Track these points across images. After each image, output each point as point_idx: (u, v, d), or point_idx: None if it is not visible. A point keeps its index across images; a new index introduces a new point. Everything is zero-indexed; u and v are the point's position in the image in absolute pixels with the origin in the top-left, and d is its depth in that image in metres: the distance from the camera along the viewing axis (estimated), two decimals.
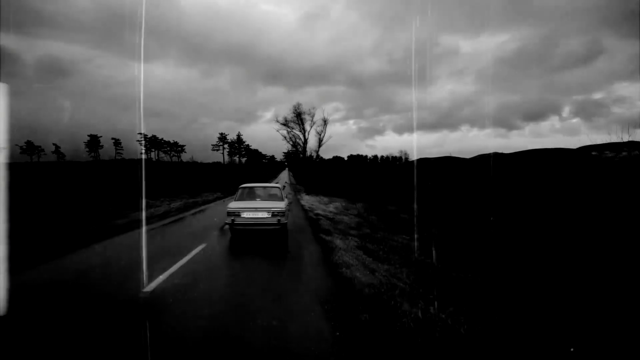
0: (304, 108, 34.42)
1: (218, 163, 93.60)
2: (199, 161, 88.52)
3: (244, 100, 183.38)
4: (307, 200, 22.30)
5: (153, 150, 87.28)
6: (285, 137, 34.82)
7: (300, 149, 34.80)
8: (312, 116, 34.46)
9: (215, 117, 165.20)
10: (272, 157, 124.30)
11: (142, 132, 76.48)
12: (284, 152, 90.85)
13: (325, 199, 23.54)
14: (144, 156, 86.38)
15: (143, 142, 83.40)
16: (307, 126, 34.18)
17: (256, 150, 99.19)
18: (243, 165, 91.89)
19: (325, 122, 33.87)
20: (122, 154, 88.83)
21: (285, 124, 34.21)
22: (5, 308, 2.28)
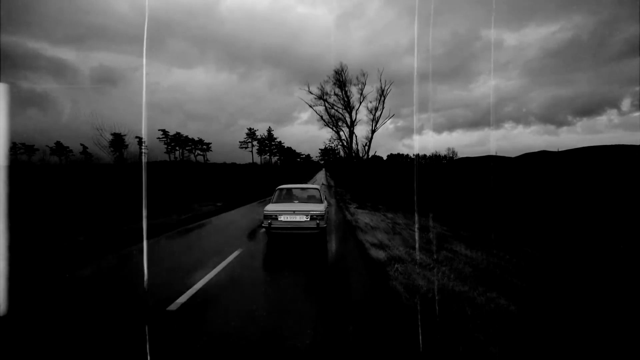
0: (350, 75, 22.51)
1: (254, 164, 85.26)
2: (229, 162, 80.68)
3: (280, 101, 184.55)
4: (370, 226, 10.32)
5: (177, 149, 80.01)
6: (321, 117, 23.10)
7: (345, 138, 22.96)
8: (362, 87, 22.49)
9: (254, 118, 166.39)
10: (308, 156, 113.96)
11: (144, 134, 68.92)
12: (320, 149, 79.81)
13: (401, 221, 11.53)
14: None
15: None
16: (354, 102, 22.37)
17: (289, 148, 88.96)
18: (273, 165, 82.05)
19: (382, 94, 21.82)
20: (146, 153, 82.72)
21: (322, 97, 22.48)
22: (5, 308, 2.30)
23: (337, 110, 22.07)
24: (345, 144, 22.39)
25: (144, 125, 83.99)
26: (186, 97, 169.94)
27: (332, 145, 63.31)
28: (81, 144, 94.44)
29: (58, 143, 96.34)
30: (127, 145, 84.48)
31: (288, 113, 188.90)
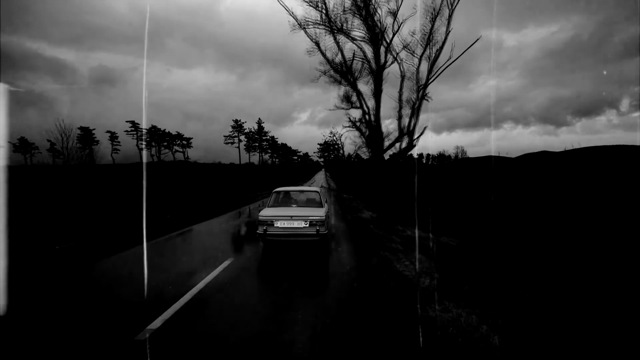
0: None
1: (251, 164, 74.17)
2: (227, 162, 69.91)
3: (279, 102, 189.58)
4: None
5: (154, 144, 68.53)
6: (317, 45, 11.37)
7: (365, 105, 11.33)
8: (398, 4, 10.94)
9: (253, 119, 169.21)
10: (306, 154, 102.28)
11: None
12: (319, 144, 67.36)
13: None
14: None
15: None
16: (385, 27, 10.91)
17: (284, 145, 77.25)
18: (270, 166, 70.63)
19: (446, 2, 10.38)
20: (118, 150, 71.54)
21: (317, 6, 10.87)
22: (4, 308, 2.44)
23: (348, 35, 10.48)
24: (365, 113, 10.90)
25: (144, 126, 72.83)
26: (185, 97, 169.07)
27: (334, 137, 51.68)
28: (48, 140, 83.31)
29: (22, 139, 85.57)
30: (98, 141, 69.65)
31: (287, 113, 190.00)
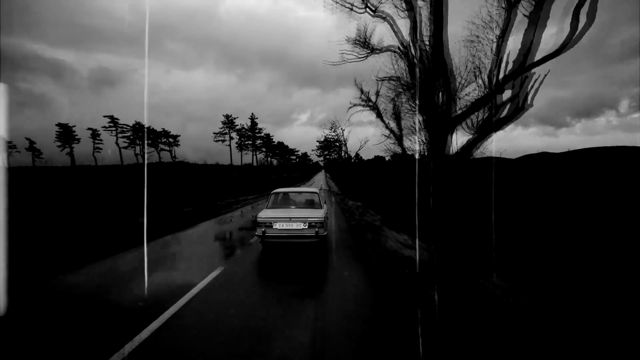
0: None
1: (249, 165, 68.20)
2: (226, 163, 64.31)
3: (279, 103, 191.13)
4: None
5: (138, 143, 62.58)
6: None
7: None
8: None
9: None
10: (305, 154, 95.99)
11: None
12: (319, 142, 60.57)
13: None
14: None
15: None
16: None
17: (281, 144, 71.09)
18: (267, 167, 64.75)
19: None
20: (100, 149, 65.66)
21: None
22: (5, 308, 2.28)
23: None
24: (414, 28, 5.24)
25: (145, 127, 67.20)
26: (185, 98, 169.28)
27: (336, 133, 45.63)
28: (26, 138, 77.16)
29: None
30: (79, 139, 62.03)
31: (287, 114, 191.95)
